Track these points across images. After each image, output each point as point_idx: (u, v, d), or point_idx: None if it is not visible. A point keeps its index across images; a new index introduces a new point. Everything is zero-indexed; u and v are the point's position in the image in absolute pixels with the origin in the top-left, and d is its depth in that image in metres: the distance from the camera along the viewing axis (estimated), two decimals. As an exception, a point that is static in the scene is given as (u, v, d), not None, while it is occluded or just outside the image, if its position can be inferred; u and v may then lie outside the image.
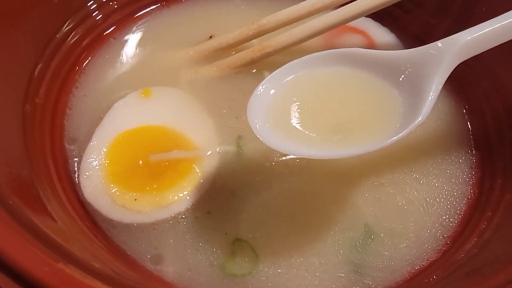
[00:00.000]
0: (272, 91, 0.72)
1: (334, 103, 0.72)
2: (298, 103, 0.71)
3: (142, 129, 0.81)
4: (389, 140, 0.66)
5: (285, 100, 0.71)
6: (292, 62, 0.74)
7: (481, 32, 0.69)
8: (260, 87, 0.71)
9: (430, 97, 0.68)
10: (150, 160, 0.77)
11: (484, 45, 0.70)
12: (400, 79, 0.72)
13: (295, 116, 0.69)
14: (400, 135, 0.66)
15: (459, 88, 0.92)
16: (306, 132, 0.68)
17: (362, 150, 0.66)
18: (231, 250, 0.72)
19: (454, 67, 0.70)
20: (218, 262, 0.71)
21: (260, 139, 0.66)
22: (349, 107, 0.72)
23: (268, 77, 0.72)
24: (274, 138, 0.66)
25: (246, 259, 0.71)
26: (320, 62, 0.74)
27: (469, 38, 0.69)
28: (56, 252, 0.47)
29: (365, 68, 0.74)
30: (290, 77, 0.73)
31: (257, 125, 0.67)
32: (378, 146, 0.66)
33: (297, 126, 0.68)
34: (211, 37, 0.96)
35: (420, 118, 0.66)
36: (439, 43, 0.71)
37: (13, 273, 0.44)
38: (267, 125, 0.68)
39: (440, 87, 0.69)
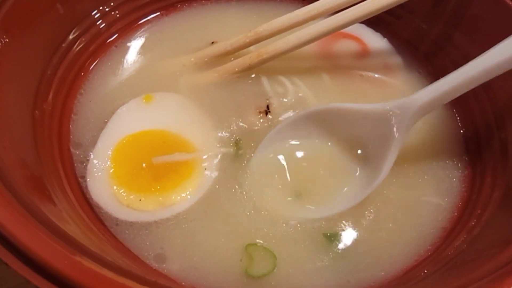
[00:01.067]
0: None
1: (303, 172, 0.81)
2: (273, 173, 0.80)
3: (144, 133, 0.82)
4: (350, 205, 0.76)
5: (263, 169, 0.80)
6: (268, 135, 0.83)
7: (433, 95, 0.75)
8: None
9: (387, 162, 0.76)
10: (153, 162, 0.78)
11: (437, 103, 0.77)
12: (362, 141, 0.81)
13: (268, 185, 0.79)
14: (359, 199, 0.76)
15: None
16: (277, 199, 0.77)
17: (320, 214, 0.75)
18: (248, 255, 0.73)
19: (410, 129, 0.77)
20: (229, 262, 0.72)
21: None
22: (315, 175, 0.81)
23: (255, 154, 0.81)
24: None
25: (266, 260, 0.73)
26: (292, 128, 0.84)
27: (422, 102, 0.75)
28: (72, 246, 0.50)
29: (332, 133, 0.83)
30: (270, 150, 0.82)
31: None
32: (338, 209, 0.76)
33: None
34: (213, 43, 0.98)
35: (376, 182, 0.75)
36: (396, 109, 0.77)
37: (36, 265, 0.47)
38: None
39: (397, 152, 0.76)
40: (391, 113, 0.77)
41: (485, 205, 0.77)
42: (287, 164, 0.81)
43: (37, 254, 0.47)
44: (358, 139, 0.81)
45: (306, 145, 0.83)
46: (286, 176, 0.80)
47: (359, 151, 0.81)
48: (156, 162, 0.79)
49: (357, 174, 0.80)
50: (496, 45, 0.72)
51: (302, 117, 0.83)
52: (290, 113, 0.88)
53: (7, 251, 0.48)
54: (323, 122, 0.83)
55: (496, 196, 0.77)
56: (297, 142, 0.83)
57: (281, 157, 0.82)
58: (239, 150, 0.83)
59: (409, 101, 0.76)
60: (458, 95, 0.75)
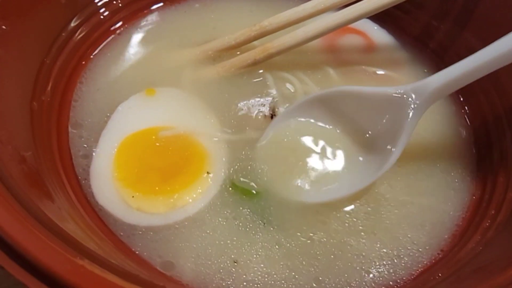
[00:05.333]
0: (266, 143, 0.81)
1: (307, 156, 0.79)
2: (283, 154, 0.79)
3: (148, 131, 0.80)
4: (363, 185, 0.75)
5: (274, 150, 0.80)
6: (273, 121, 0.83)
7: (448, 79, 0.73)
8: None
9: (398, 146, 0.74)
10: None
11: (452, 87, 0.74)
12: (375, 121, 0.79)
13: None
14: (365, 183, 0.75)
15: (459, 89, 0.92)
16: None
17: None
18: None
19: (424, 112, 0.76)
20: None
21: None
22: (318, 159, 0.79)
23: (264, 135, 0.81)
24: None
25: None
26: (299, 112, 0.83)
27: (437, 85, 0.73)
28: (74, 248, 0.47)
29: (341, 115, 0.82)
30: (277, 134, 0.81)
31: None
32: (354, 190, 0.75)
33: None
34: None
35: (386, 166, 0.74)
36: (410, 92, 0.75)
37: (34, 269, 0.44)
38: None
39: (409, 136, 0.75)
40: (405, 96, 0.75)
41: (499, 205, 0.76)
42: (293, 149, 0.80)
43: (35, 257, 0.44)
44: (368, 122, 0.80)
45: (312, 129, 0.82)
46: (292, 160, 0.79)
47: (367, 134, 0.80)
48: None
49: (360, 159, 0.79)
50: None
51: (309, 100, 0.82)
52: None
53: (3, 252, 0.45)
54: (331, 105, 0.81)
55: (511, 197, 0.75)
56: (303, 127, 0.82)
57: (287, 141, 0.81)
58: (246, 146, 0.81)
59: (424, 84, 0.74)
60: (475, 79, 0.73)
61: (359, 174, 0.77)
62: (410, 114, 0.75)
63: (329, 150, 0.80)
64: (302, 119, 0.83)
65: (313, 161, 0.79)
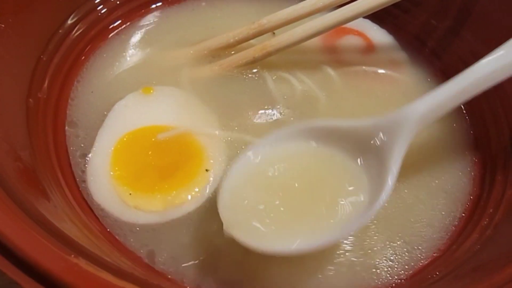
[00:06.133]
0: (237, 180, 0.70)
1: (298, 188, 0.69)
2: (262, 193, 0.68)
3: (145, 129, 0.79)
4: (354, 229, 0.66)
5: (248, 190, 0.69)
6: (253, 146, 0.73)
7: (435, 101, 0.70)
8: (227, 176, 0.70)
9: (391, 175, 0.66)
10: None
11: (441, 111, 0.71)
12: (363, 152, 0.70)
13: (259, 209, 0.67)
14: (365, 219, 0.65)
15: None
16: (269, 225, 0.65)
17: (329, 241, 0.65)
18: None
19: (412, 138, 0.69)
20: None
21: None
22: (314, 191, 0.68)
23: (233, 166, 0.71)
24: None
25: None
26: (284, 138, 0.73)
27: (424, 108, 0.69)
28: (68, 246, 0.47)
29: (329, 143, 0.72)
30: (255, 160, 0.72)
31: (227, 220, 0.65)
32: (345, 234, 0.67)
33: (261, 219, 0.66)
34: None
35: (380, 200, 0.64)
36: (396, 115, 0.70)
37: (27, 267, 0.44)
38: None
39: (401, 160, 0.68)
40: (384, 128, 0.70)
41: (497, 204, 0.75)
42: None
43: (28, 255, 0.44)
44: (355, 151, 0.72)
45: (298, 157, 0.72)
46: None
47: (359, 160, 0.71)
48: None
49: (359, 188, 0.68)
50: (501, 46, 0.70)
51: (288, 133, 0.74)
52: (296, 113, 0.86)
53: (-5, 250, 0.45)
54: (312, 136, 0.73)
55: (509, 195, 0.75)
56: (287, 155, 0.72)
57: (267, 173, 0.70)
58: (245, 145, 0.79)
59: (405, 113, 0.70)
60: (462, 100, 0.72)
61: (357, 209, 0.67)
62: (391, 147, 0.68)
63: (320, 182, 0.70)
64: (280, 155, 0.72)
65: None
